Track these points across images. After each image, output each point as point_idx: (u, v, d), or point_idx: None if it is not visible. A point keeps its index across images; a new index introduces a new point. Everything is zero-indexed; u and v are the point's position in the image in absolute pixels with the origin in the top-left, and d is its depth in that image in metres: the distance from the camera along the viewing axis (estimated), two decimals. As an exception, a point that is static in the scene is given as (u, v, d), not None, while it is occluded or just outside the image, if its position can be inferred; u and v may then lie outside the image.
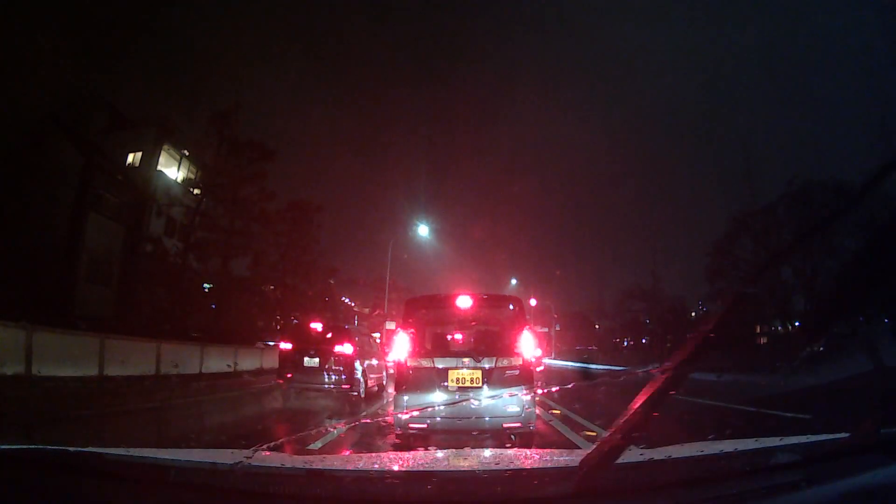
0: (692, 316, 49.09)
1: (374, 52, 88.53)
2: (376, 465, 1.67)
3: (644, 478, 1.19)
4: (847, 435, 1.33)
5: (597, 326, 63.30)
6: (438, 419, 4.94)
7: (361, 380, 11.26)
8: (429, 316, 5.90)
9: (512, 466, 1.70)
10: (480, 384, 4.97)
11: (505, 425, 4.89)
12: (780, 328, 32.69)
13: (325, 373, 10.73)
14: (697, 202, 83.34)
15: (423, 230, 25.06)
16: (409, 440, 5.09)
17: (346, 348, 10.96)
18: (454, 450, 2.75)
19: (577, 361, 35.41)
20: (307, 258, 29.42)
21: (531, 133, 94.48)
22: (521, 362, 5.10)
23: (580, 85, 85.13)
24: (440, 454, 2.34)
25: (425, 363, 5.12)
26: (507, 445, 4.93)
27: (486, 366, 5.01)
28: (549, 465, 1.79)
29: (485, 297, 5.84)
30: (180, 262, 21.91)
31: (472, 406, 4.90)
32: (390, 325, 23.19)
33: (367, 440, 6.47)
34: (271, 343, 22.79)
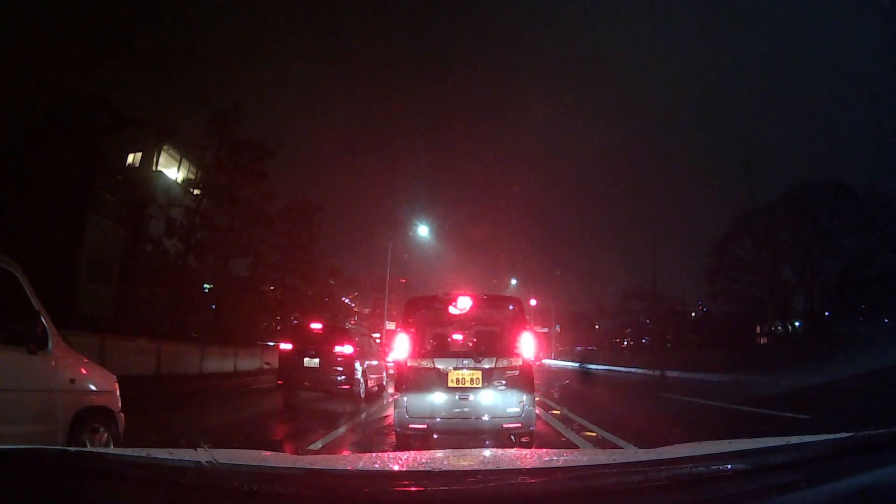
0: (692, 316, 49.13)
1: (375, 52, 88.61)
2: (376, 465, 1.67)
3: (644, 478, 1.18)
4: (847, 435, 1.33)
5: (597, 326, 63.29)
6: (438, 419, 4.95)
7: (361, 380, 11.24)
8: (429, 316, 5.90)
9: (512, 466, 1.70)
10: (480, 385, 4.97)
11: (505, 425, 4.89)
12: (780, 328, 32.71)
13: (325, 373, 10.68)
14: (697, 202, 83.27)
15: (423, 230, 25.02)
16: (409, 440, 5.09)
17: (346, 348, 10.94)
18: (454, 450, 2.76)
19: (578, 362, 35.49)
20: (307, 258, 29.47)
21: (531, 133, 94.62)
22: (521, 363, 5.09)
23: (581, 85, 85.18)
24: (440, 454, 2.34)
25: (425, 363, 5.11)
26: (507, 446, 4.94)
27: (486, 366, 5.01)
28: (549, 465, 1.79)
29: (485, 297, 5.83)
30: (180, 262, 21.91)
31: (472, 406, 4.90)
32: (390, 325, 23.19)
33: (367, 440, 6.48)
34: (271, 343, 22.80)
